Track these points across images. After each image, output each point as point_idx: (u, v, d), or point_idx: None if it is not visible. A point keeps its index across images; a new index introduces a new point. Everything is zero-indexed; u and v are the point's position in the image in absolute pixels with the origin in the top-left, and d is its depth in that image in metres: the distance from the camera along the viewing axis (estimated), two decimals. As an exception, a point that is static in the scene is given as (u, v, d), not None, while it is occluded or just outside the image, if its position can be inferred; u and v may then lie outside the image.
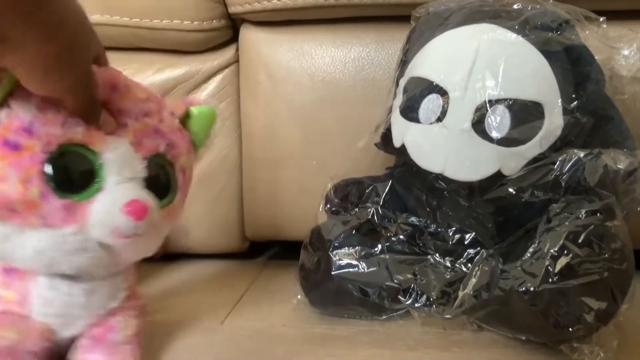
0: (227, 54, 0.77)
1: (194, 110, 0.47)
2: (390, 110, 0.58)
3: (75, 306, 0.43)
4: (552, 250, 0.45)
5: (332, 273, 0.54)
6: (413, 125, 0.54)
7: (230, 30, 0.77)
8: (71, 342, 0.44)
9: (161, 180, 0.44)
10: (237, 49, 0.77)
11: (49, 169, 0.38)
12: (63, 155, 0.38)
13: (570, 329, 0.44)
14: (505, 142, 0.49)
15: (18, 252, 0.39)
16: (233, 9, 0.73)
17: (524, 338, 0.50)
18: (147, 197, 0.41)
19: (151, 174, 0.42)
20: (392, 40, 0.70)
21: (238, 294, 0.66)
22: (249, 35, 0.75)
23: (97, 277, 0.43)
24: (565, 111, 0.50)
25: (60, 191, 0.38)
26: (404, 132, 0.55)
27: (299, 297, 0.59)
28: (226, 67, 0.77)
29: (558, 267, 0.44)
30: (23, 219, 0.38)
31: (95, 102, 0.39)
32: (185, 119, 0.47)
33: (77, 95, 0.37)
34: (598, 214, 0.46)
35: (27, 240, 0.38)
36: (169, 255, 0.76)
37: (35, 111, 0.37)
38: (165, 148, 0.44)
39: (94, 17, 0.72)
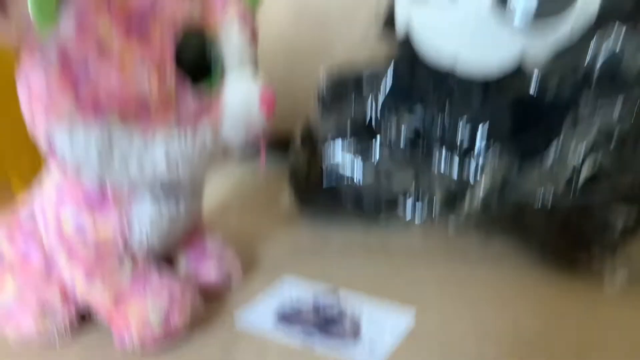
0: None
1: None
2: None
3: (179, 229, 0.38)
4: (578, 153, 0.39)
5: (324, 178, 0.49)
6: (421, 7, 0.46)
7: None
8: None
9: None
10: None
11: (177, 57, 0.31)
12: (186, 40, 0.32)
13: (593, 245, 0.39)
14: (530, 24, 0.41)
15: (135, 163, 0.32)
16: None
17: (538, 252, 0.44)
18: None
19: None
20: None
21: (225, 200, 0.61)
22: None
23: (196, 192, 0.38)
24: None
25: (192, 80, 0.32)
26: (409, 17, 0.47)
27: (287, 203, 0.53)
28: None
29: (584, 173, 0.38)
30: (154, 117, 0.31)
31: None
32: None
33: None
34: (632, 110, 0.39)
35: (154, 148, 0.32)
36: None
37: None
38: (251, 29, 0.37)
39: None
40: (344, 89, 0.52)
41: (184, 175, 0.34)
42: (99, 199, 0.34)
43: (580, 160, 0.38)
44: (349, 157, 0.47)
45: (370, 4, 0.54)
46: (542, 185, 0.40)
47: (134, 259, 0.36)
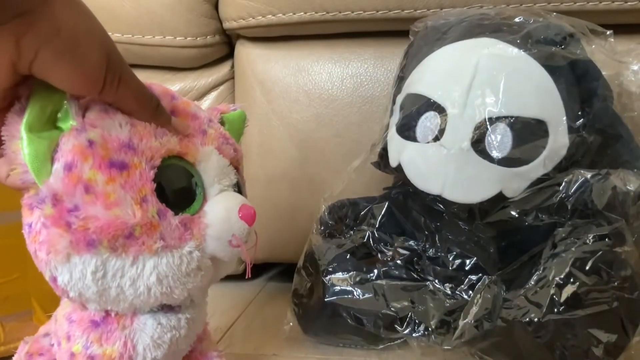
0: (222, 70, 0.75)
1: (227, 116, 0.45)
2: (386, 128, 0.56)
3: (183, 340, 0.39)
4: (557, 278, 0.42)
5: (326, 299, 0.52)
6: (410, 144, 0.51)
7: (225, 46, 0.75)
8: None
9: (239, 186, 0.42)
10: (233, 66, 0.75)
11: (158, 185, 0.35)
12: (166, 169, 0.36)
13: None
14: (506, 162, 0.46)
15: (130, 289, 0.35)
16: (227, 24, 0.71)
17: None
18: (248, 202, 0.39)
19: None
20: (391, 56, 0.68)
21: (231, 320, 0.63)
22: (245, 51, 0.73)
23: (195, 302, 0.40)
24: (571, 129, 0.47)
25: (174, 207, 0.36)
26: (400, 151, 0.52)
27: (291, 324, 0.56)
28: (221, 84, 0.75)
29: (564, 296, 0.42)
30: (141, 244, 0.34)
31: (155, 101, 0.36)
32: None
33: (124, 85, 0.34)
34: (607, 239, 0.43)
35: (144, 271, 0.35)
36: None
37: (127, 126, 0.35)
38: (233, 153, 0.41)
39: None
40: (343, 219, 0.57)
41: (179, 294, 0.37)
42: (103, 320, 0.37)
43: (559, 290, 0.41)
44: (348, 285, 0.51)
45: (368, 138, 0.60)
46: (527, 307, 0.43)
47: None
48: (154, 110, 0.36)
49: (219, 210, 0.37)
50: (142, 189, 0.34)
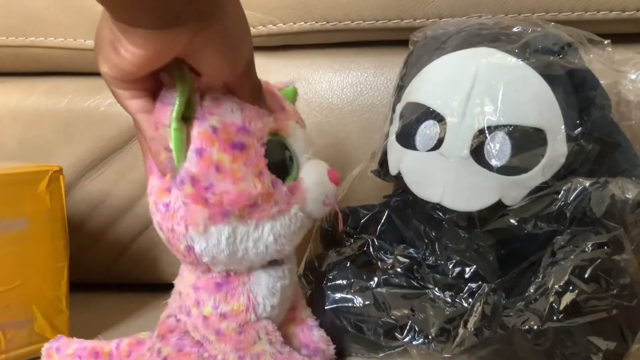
0: (223, 79, 0.75)
1: (282, 92, 0.48)
2: (386, 137, 0.56)
3: (289, 288, 0.46)
4: (556, 286, 0.42)
5: (326, 307, 0.52)
6: (409, 152, 0.51)
7: (226, 55, 0.76)
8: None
9: None
10: (234, 75, 0.76)
11: (267, 159, 0.41)
12: (269, 145, 0.41)
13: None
14: (505, 170, 0.47)
15: (253, 249, 0.41)
16: (228, 34, 0.72)
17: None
18: None
19: None
20: (391, 65, 0.68)
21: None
22: (245, 60, 0.73)
23: (290, 256, 0.46)
24: (569, 138, 0.48)
25: (281, 177, 0.42)
26: (400, 160, 0.52)
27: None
28: (222, 92, 0.75)
29: (563, 304, 0.42)
30: (261, 211, 0.40)
31: (259, 86, 0.42)
32: None
33: (250, 77, 0.40)
34: (605, 247, 0.44)
35: (264, 233, 0.41)
36: (161, 286, 0.73)
37: (237, 112, 0.40)
38: (304, 125, 0.47)
39: (81, 43, 0.71)
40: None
41: (288, 250, 0.44)
42: (226, 281, 0.43)
43: (558, 298, 0.41)
44: (348, 292, 0.51)
45: (368, 147, 0.61)
46: (526, 315, 0.43)
47: (267, 331, 0.43)
48: (258, 95, 0.41)
49: (313, 175, 0.44)
50: (257, 164, 0.40)
